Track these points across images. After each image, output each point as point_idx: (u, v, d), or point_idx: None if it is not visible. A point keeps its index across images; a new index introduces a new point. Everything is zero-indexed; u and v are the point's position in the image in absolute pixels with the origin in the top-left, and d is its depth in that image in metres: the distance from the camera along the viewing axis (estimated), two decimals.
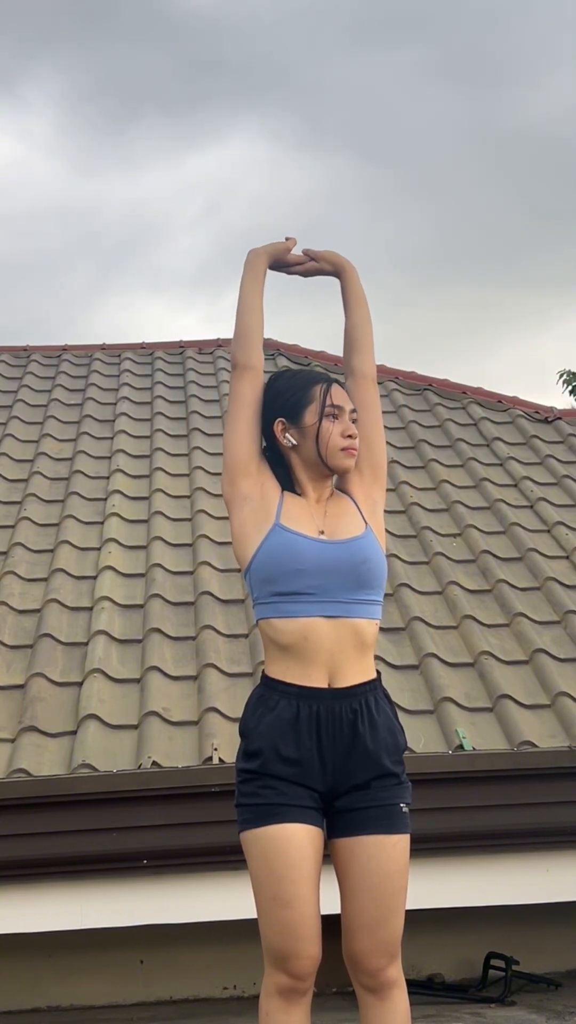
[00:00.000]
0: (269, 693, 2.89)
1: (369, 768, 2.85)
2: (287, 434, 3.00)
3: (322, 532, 2.94)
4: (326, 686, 2.86)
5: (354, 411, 3.05)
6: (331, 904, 2.89)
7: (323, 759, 2.84)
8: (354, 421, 3.03)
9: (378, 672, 2.97)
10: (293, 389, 3.03)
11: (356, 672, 2.89)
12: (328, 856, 2.88)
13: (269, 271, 3.20)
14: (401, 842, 2.86)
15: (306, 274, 3.29)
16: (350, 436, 3.00)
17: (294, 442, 3.00)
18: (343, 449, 2.99)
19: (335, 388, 3.04)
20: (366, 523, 3.00)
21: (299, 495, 3.01)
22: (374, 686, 2.92)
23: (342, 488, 3.08)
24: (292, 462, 3.02)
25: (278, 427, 3.01)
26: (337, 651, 2.87)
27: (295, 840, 2.80)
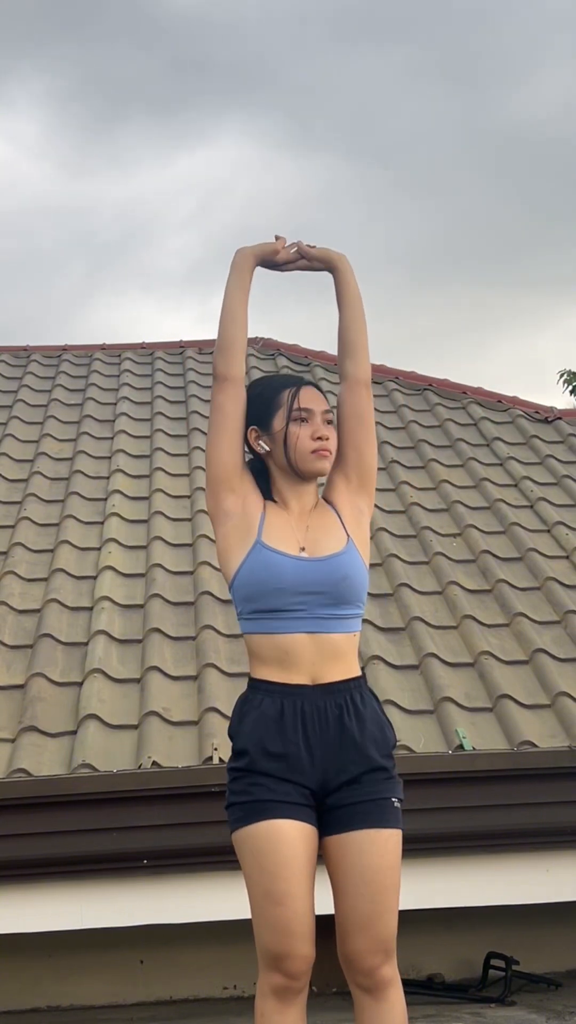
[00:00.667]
0: (253, 694, 2.91)
1: (359, 762, 2.86)
2: (260, 441, 3.00)
3: (303, 548, 2.94)
4: (310, 683, 2.88)
5: (328, 412, 3.02)
6: (327, 904, 2.89)
7: (311, 754, 2.85)
8: (329, 422, 3.01)
9: (363, 670, 3.00)
10: (263, 396, 3.03)
11: (338, 672, 2.91)
12: (321, 856, 2.89)
13: (259, 269, 3.14)
14: (393, 837, 2.85)
15: (298, 270, 3.23)
16: (320, 438, 2.97)
17: (267, 448, 2.99)
18: (313, 452, 2.96)
19: (304, 391, 3.01)
20: (348, 536, 2.99)
21: (279, 507, 3.01)
22: (358, 683, 2.93)
23: (328, 497, 3.07)
24: (271, 470, 3.02)
25: (252, 435, 3.01)
26: (318, 661, 2.90)
27: (286, 837, 2.80)
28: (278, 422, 2.98)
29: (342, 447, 3.06)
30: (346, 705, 2.88)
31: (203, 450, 7.97)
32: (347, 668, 2.92)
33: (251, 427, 3.01)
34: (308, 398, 3.00)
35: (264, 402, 3.01)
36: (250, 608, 2.92)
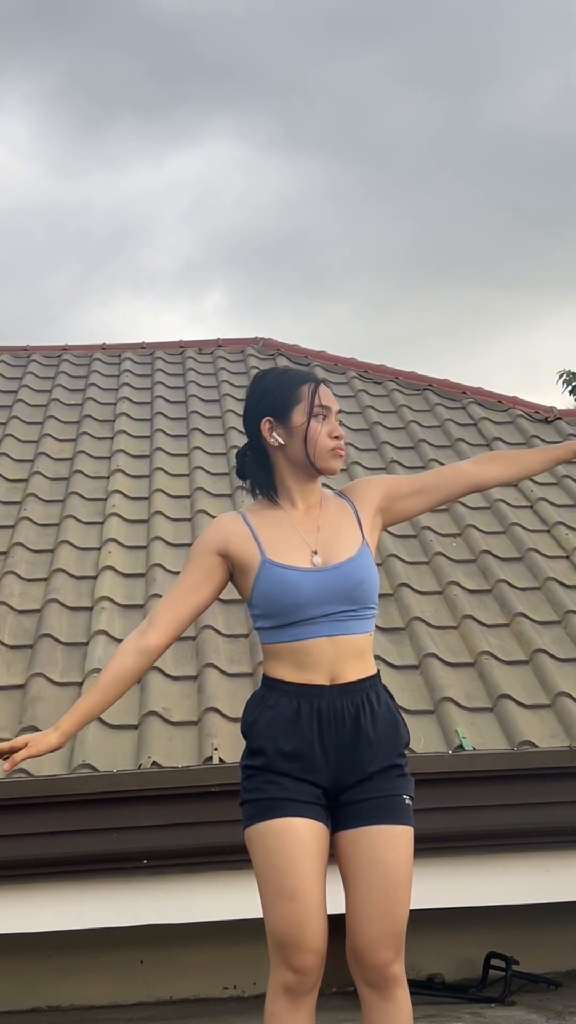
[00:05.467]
0: (269, 693, 2.93)
1: (373, 760, 2.89)
2: (274, 433, 3.00)
3: (315, 553, 2.94)
4: (327, 683, 2.90)
5: (339, 411, 3.06)
6: (335, 903, 2.90)
7: (326, 753, 2.87)
8: (340, 423, 3.04)
9: (377, 669, 3.00)
10: (280, 388, 3.02)
11: (356, 671, 2.94)
12: (333, 853, 2.90)
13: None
14: (405, 833, 2.89)
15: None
16: (337, 437, 3.00)
17: (281, 442, 2.99)
18: (330, 450, 2.99)
19: (323, 388, 3.03)
20: (363, 536, 2.99)
21: (279, 506, 3.01)
22: (374, 682, 2.96)
23: (351, 495, 3.07)
24: (278, 464, 3.02)
25: (265, 426, 3.00)
26: (337, 661, 2.92)
27: (297, 834, 2.82)
28: (298, 417, 2.98)
29: (425, 484, 3.12)
30: (363, 704, 2.90)
31: (203, 450, 8.01)
32: (365, 667, 2.95)
33: (265, 418, 3.00)
34: (327, 396, 3.03)
35: (282, 394, 3.01)
36: (271, 623, 2.94)
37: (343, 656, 2.91)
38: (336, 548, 2.96)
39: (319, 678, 2.89)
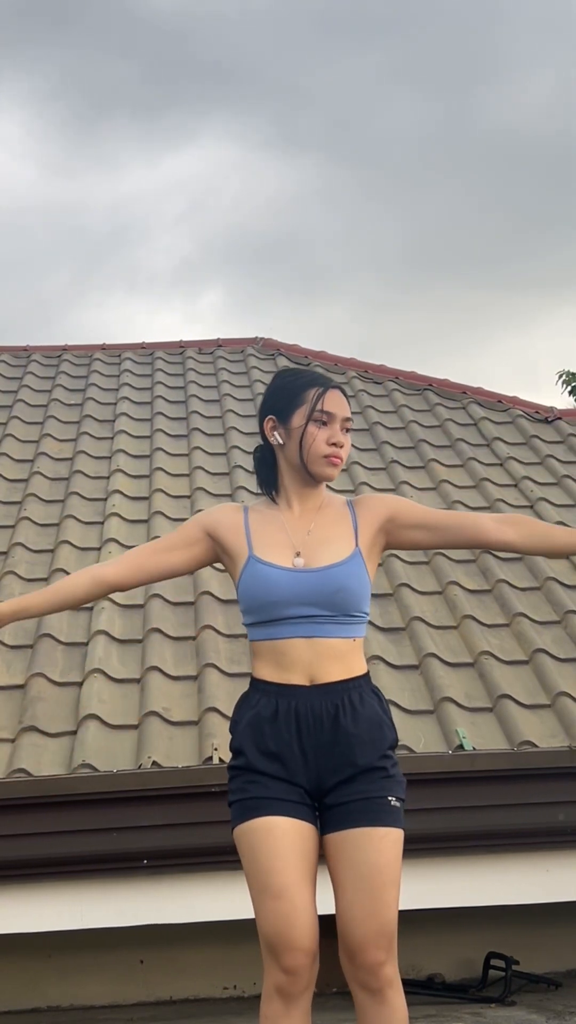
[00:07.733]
0: (253, 693, 2.96)
1: (353, 762, 2.87)
2: (275, 432, 3.01)
3: (299, 554, 2.94)
4: (307, 684, 2.90)
5: (348, 419, 3.02)
6: (328, 904, 2.89)
7: (305, 754, 2.87)
8: (347, 430, 3.02)
9: (367, 670, 2.99)
10: (287, 388, 3.03)
11: (337, 672, 2.92)
12: (322, 854, 2.90)
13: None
14: (389, 836, 2.85)
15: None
16: (335, 444, 2.97)
17: (280, 442, 3.00)
18: (326, 456, 2.97)
19: (330, 394, 3.00)
20: (356, 545, 2.96)
21: (277, 505, 3.02)
22: (359, 683, 2.93)
23: (357, 506, 3.03)
24: (280, 463, 3.03)
25: (268, 424, 3.02)
26: (315, 662, 2.91)
27: (280, 832, 2.83)
28: (297, 419, 2.98)
29: (436, 522, 3.05)
30: (343, 705, 2.88)
31: (203, 450, 8.01)
32: (348, 668, 2.92)
33: (269, 416, 3.02)
34: (332, 402, 3.00)
35: (287, 395, 3.01)
36: (252, 619, 2.96)
37: (321, 658, 2.90)
38: (321, 552, 2.94)
39: (298, 678, 2.90)
